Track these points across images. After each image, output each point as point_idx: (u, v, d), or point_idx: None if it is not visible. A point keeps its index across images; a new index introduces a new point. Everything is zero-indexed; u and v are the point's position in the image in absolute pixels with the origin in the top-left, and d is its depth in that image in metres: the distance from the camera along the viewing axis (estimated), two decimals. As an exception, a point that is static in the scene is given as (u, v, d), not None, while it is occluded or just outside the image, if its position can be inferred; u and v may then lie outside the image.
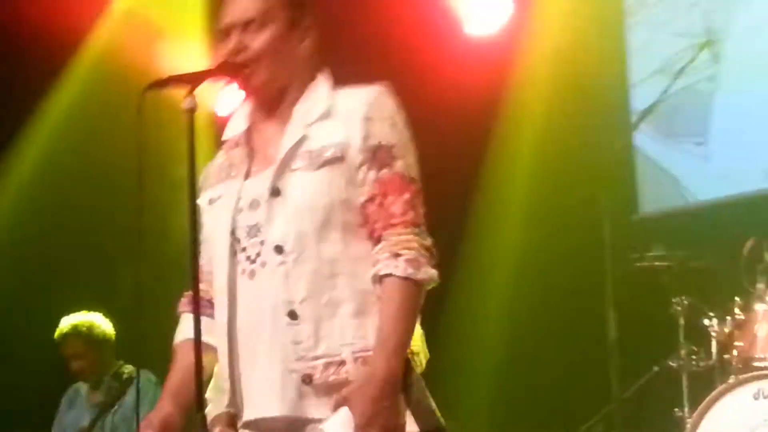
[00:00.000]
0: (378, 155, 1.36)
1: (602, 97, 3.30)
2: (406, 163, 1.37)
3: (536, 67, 3.27)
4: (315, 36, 1.47)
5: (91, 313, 3.49)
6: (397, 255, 1.28)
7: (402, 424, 1.30)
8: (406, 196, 1.34)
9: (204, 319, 1.33)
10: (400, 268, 1.27)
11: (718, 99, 3.29)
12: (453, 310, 3.11)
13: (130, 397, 3.30)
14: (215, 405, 1.45)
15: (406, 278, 1.28)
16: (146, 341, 2.48)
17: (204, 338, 1.31)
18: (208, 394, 1.44)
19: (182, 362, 1.42)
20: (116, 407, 3.37)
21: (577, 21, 3.37)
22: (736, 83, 3.24)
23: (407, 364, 1.31)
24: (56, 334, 3.40)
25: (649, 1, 3.56)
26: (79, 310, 3.48)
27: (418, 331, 1.40)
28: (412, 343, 1.34)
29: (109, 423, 3.34)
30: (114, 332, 3.45)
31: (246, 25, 1.40)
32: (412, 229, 1.32)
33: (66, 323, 3.39)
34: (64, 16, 3.13)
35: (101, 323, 3.43)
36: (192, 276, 1.34)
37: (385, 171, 1.35)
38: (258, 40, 1.39)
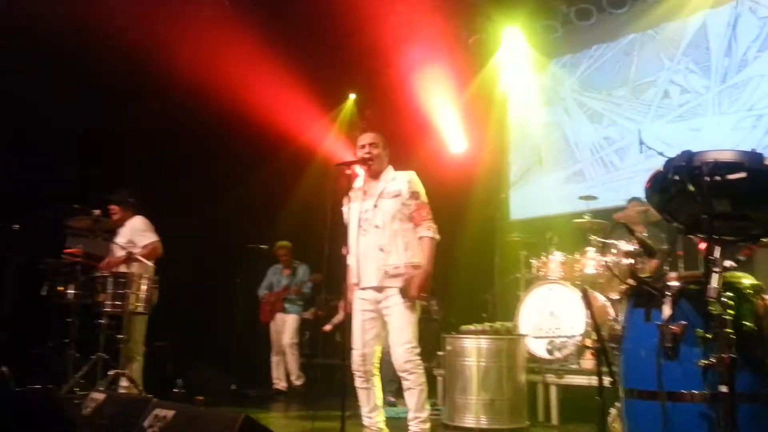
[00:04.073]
0: (415, 194, 3.84)
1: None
2: (424, 197, 3.76)
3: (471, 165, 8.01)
4: (389, 151, 4.03)
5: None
6: (428, 228, 3.70)
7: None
8: (427, 209, 3.76)
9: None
10: (430, 232, 3.70)
11: None
12: None
13: (301, 270, 7.30)
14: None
15: (431, 237, 3.71)
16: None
17: (350, 261, 3.76)
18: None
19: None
20: (297, 275, 7.28)
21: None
22: None
23: None
24: (275, 246, 7.26)
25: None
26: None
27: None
28: None
29: (295, 279, 7.26)
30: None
31: (370, 144, 3.85)
32: (431, 221, 3.74)
33: (279, 243, 7.34)
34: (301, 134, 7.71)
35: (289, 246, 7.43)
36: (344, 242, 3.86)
37: (418, 200, 3.81)
38: (374, 151, 3.85)
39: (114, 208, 5.56)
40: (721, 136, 6.61)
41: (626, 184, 7.23)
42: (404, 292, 3.56)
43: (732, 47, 6.76)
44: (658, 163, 2.46)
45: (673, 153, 2.44)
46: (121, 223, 5.54)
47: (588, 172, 7.77)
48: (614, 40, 7.77)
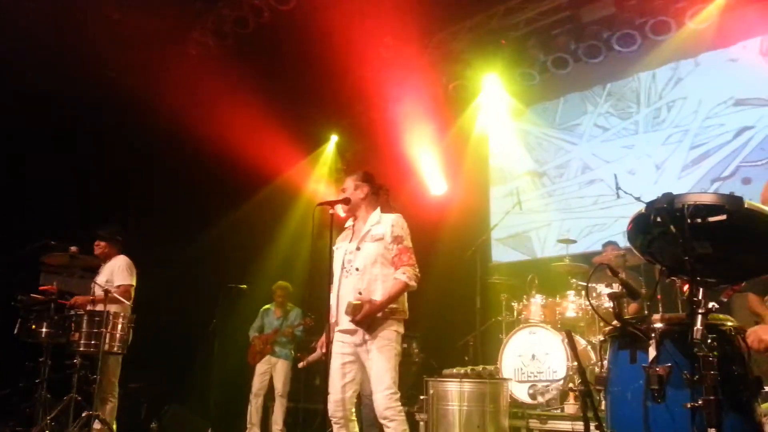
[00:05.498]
0: (397, 239, 3.86)
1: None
2: (407, 242, 3.75)
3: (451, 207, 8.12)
4: (377, 193, 4.14)
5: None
6: (403, 273, 3.63)
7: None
8: (409, 254, 3.72)
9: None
10: (404, 276, 3.64)
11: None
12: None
13: (293, 314, 7.10)
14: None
15: (404, 282, 3.63)
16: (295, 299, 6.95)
17: (332, 302, 3.72)
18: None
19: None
20: (288, 318, 7.08)
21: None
22: None
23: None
24: (274, 286, 7.13)
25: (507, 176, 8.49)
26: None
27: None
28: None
29: (286, 322, 7.05)
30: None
31: (344, 189, 3.88)
32: (412, 267, 3.68)
33: (280, 283, 7.19)
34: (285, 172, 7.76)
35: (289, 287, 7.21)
36: (329, 280, 3.81)
37: (400, 245, 3.81)
38: (348, 193, 3.87)
39: (101, 243, 5.48)
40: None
41: (603, 228, 7.36)
42: (351, 309, 3.53)
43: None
44: (631, 210, 2.52)
45: (647, 198, 2.51)
46: (103, 260, 5.46)
47: (566, 215, 7.90)
48: (589, 89, 8.02)
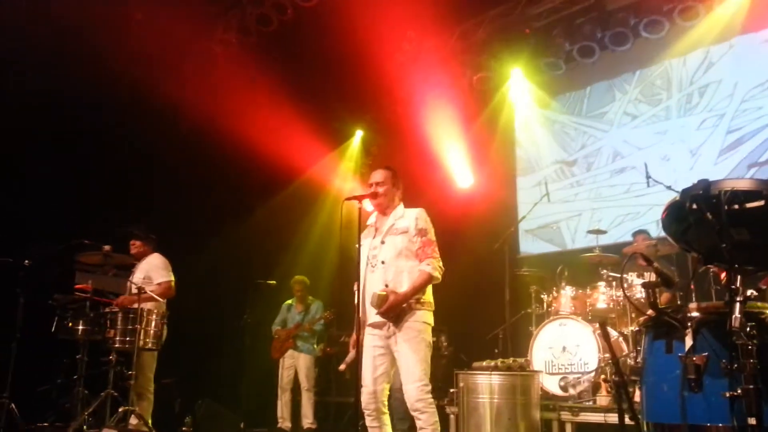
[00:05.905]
0: (421, 231, 3.97)
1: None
2: (431, 235, 3.83)
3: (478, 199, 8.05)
4: (401, 188, 4.13)
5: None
6: (428, 264, 3.69)
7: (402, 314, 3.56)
8: (432, 247, 3.77)
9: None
10: (429, 268, 3.70)
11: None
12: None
13: (314, 307, 7.20)
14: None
15: (429, 273, 3.71)
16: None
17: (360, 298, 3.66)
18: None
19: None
20: (310, 312, 7.18)
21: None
22: None
23: None
24: (292, 281, 7.20)
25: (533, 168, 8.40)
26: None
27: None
28: None
29: (307, 316, 7.13)
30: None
31: (377, 183, 3.93)
32: (436, 259, 3.73)
33: (297, 277, 7.25)
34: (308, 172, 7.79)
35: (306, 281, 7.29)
36: (356, 276, 3.74)
37: (424, 238, 3.91)
38: (382, 188, 3.95)
39: (136, 242, 5.58)
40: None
41: (636, 217, 7.25)
42: (376, 300, 3.56)
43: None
44: (665, 198, 2.47)
45: (682, 184, 2.45)
46: (138, 258, 5.55)
47: (597, 204, 7.79)
48: (617, 77, 7.88)
